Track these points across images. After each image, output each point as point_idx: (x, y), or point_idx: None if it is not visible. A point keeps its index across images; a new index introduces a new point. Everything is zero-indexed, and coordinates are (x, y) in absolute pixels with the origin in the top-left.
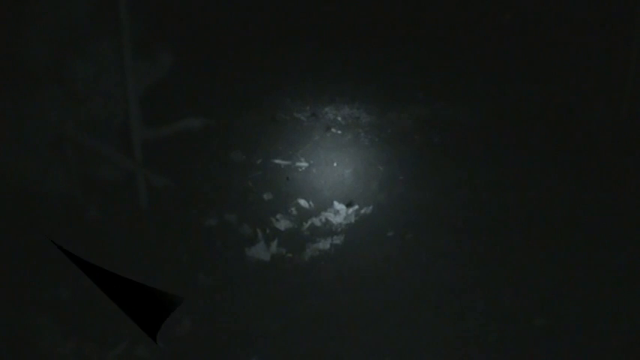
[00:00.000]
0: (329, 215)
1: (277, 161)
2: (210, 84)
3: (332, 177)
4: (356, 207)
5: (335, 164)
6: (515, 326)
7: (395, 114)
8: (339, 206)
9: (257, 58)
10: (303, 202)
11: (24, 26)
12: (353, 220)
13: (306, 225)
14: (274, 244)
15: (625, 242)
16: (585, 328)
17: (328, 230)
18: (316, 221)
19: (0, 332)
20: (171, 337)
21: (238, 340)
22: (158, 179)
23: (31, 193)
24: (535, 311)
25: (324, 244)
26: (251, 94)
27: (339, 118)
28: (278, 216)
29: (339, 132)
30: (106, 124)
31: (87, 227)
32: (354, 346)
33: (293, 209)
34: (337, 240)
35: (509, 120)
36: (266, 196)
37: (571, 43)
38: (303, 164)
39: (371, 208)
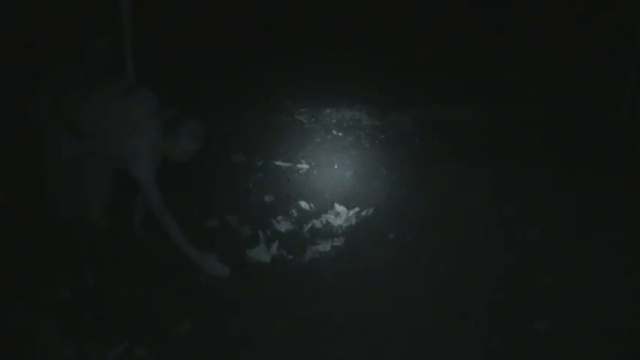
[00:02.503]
0: (330, 217)
1: (278, 163)
2: (211, 85)
3: (333, 179)
4: (357, 209)
5: (336, 166)
6: (515, 329)
7: (396, 116)
8: (339, 208)
9: (258, 60)
10: (303, 204)
11: None
12: (354, 222)
13: (307, 227)
14: (275, 245)
15: (626, 244)
16: (586, 331)
17: (329, 232)
18: (317, 223)
19: (0, 332)
20: (171, 337)
21: (238, 341)
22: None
23: (31, 194)
24: (536, 314)
25: (325, 246)
26: (252, 96)
27: (340, 121)
28: (279, 218)
29: (340, 134)
30: None
31: (87, 227)
32: (354, 347)
33: (294, 211)
34: (338, 242)
35: (510, 122)
36: (267, 198)
37: (571, 45)
38: (304, 166)
39: (372, 210)
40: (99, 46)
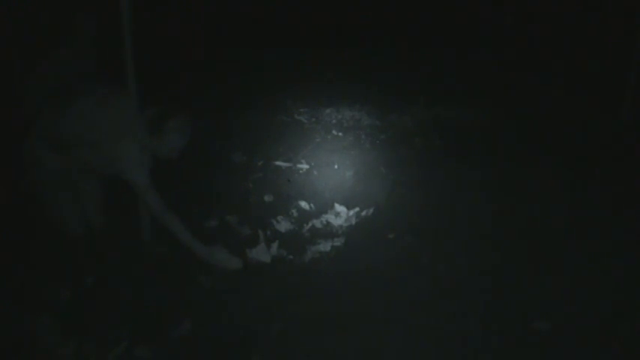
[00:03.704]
0: (330, 217)
1: (278, 163)
2: (211, 85)
3: (333, 179)
4: (357, 209)
5: (336, 166)
6: (515, 329)
7: (396, 116)
8: (339, 208)
9: (258, 60)
10: (303, 204)
11: None
12: (353, 222)
13: (307, 227)
14: (275, 245)
15: (626, 244)
16: (586, 331)
17: (329, 232)
18: (317, 223)
19: (0, 332)
20: (171, 337)
21: (238, 341)
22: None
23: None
24: (535, 314)
25: (325, 246)
26: (252, 96)
27: (340, 121)
28: (279, 218)
29: (340, 134)
30: None
31: (87, 227)
32: (354, 347)
33: (294, 211)
34: (338, 242)
35: (510, 122)
36: (267, 198)
37: (571, 45)
38: (304, 166)
39: (372, 210)
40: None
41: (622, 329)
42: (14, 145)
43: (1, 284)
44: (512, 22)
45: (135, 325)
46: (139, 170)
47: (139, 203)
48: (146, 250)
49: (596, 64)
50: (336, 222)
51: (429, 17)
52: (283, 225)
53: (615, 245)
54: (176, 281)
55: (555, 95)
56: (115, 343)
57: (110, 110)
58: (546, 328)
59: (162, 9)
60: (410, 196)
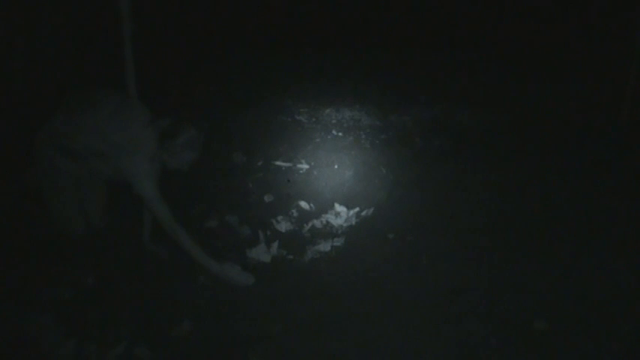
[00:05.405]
0: (330, 217)
1: (278, 163)
2: (211, 85)
3: (333, 179)
4: (357, 209)
5: (336, 166)
6: (515, 329)
7: (396, 116)
8: (339, 208)
9: (258, 60)
10: (303, 204)
11: None
12: (354, 222)
13: (307, 227)
14: (275, 245)
15: (626, 244)
16: (586, 331)
17: (329, 232)
18: (317, 223)
19: (0, 332)
20: (171, 337)
21: (238, 341)
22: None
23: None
24: (535, 314)
25: (325, 246)
26: (252, 96)
27: (340, 121)
28: (279, 218)
29: (340, 134)
30: None
31: (88, 227)
32: (354, 347)
33: (294, 211)
34: (338, 242)
35: (510, 122)
36: (267, 198)
37: (571, 46)
38: (304, 166)
39: (372, 210)
40: None
41: (622, 329)
42: (15, 144)
43: (1, 284)
44: (512, 22)
45: (135, 325)
46: (147, 183)
47: (139, 203)
48: (146, 250)
49: (596, 64)
50: (336, 222)
51: (428, 17)
52: (283, 225)
53: (615, 245)
54: (176, 281)
55: (555, 95)
56: (115, 343)
57: (122, 122)
58: (546, 328)
59: (162, 9)
60: (410, 196)
